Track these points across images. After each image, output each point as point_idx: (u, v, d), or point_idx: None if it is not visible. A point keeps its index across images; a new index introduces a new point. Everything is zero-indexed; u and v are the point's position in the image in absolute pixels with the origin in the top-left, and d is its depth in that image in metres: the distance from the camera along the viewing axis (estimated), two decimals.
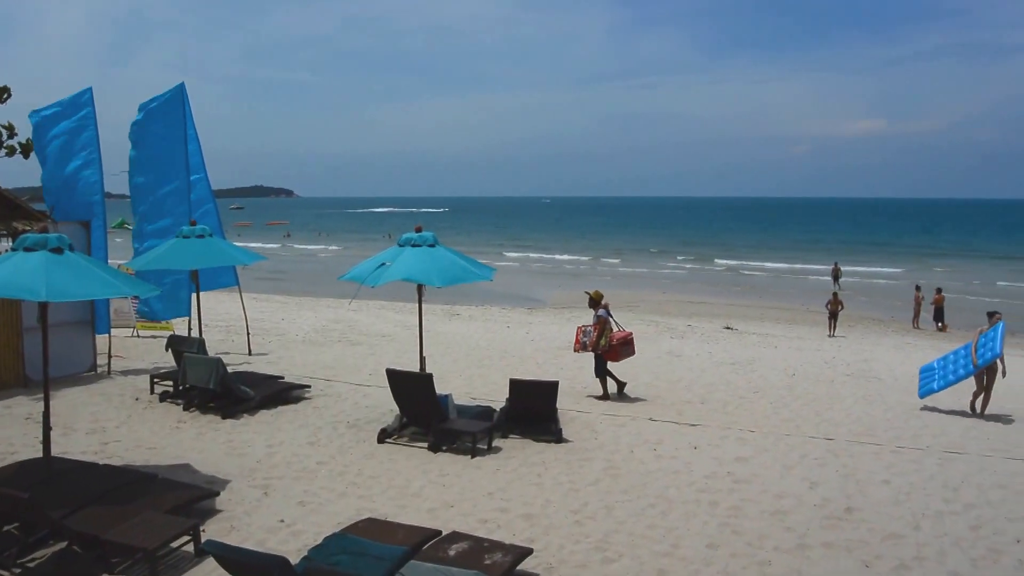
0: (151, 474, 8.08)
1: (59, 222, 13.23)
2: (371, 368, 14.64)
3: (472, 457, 9.57)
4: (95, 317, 13.87)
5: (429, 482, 8.74)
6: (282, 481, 8.68)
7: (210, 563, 6.23)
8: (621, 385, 12.96)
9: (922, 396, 12.81)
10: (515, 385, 10.86)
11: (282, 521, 7.57)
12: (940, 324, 27.43)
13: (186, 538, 6.74)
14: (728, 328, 24.71)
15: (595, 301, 12.85)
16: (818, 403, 12.90)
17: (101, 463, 8.56)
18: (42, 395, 8.03)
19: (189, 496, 7.57)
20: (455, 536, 6.60)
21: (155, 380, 12.49)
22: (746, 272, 49.64)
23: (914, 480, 9.07)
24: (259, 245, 59.14)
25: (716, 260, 57.11)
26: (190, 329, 15.42)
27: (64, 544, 6.67)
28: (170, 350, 12.98)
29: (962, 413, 12.07)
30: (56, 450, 8.45)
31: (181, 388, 11.91)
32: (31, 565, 6.44)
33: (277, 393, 12.03)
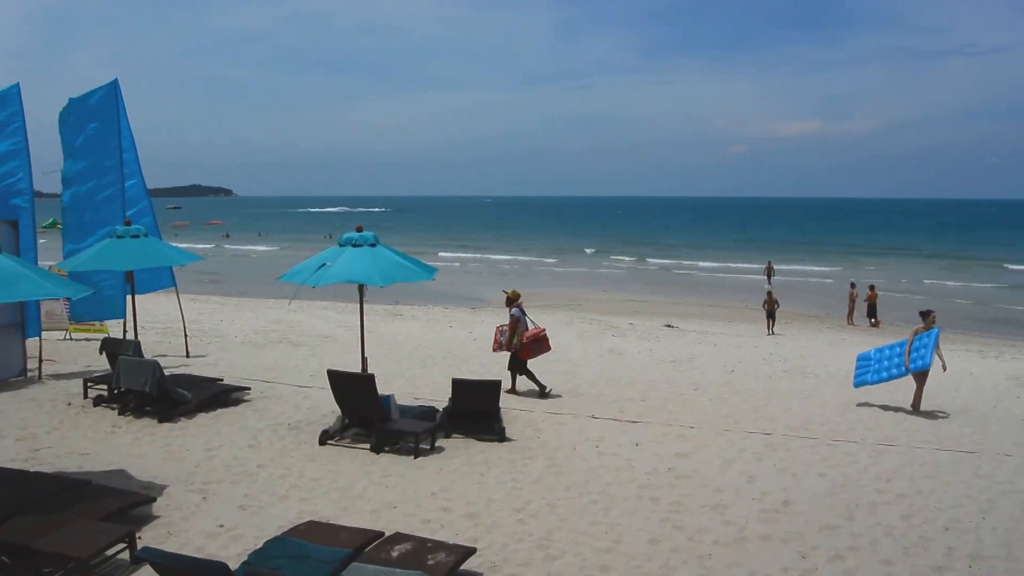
0: (84, 480, 7.84)
1: None
2: (312, 369, 14.47)
3: (415, 457, 9.55)
4: (25, 320, 13.43)
5: (372, 483, 8.69)
6: (221, 485, 8.54)
7: (147, 571, 6.10)
8: (542, 388, 13.02)
9: (856, 386, 13.11)
10: (457, 385, 10.86)
11: (221, 526, 7.45)
12: (873, 320, 28.32)
13: (121, 546, 6.58)
14: (669, 326, 25.08)
15: (511, 300, 13.09)
16: (756, 399, 13.17)
17: (31, 470, 8.30)
18: None
19: (124, 502, 7.38)
20: (398, 537, 6.59)
21: (89, 384, 12.12)
22: (679, 272, 50.37)
23: (848, 472, 9.34)
24: (195, 246, 57.90)
25: (648, 260, 57.98)
26: (125, 331, 15.02)
27: None
28: (104, 353, 12.62)
29: (895, 408, 12.46)
30: None
31: (116, 392, 11.57)
32: None
33: (216, 396, 11.80)
